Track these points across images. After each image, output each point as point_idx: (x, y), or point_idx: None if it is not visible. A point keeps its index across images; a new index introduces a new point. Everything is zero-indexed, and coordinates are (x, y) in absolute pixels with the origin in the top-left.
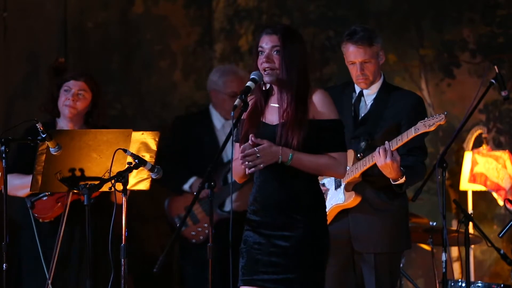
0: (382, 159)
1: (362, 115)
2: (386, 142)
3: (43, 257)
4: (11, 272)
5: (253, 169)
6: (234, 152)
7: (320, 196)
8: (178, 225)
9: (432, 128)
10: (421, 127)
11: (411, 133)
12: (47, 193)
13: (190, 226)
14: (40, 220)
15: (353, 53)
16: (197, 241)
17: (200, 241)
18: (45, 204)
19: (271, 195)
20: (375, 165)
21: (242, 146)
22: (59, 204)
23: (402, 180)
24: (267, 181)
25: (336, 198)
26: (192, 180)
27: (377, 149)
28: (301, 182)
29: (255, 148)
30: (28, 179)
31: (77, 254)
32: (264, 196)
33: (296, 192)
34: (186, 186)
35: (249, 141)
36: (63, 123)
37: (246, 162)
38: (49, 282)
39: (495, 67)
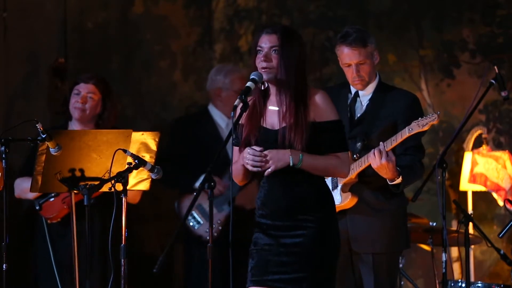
0: (377, 161)
1: (358, 115)
2: (381, 143)
3: (54, 258)
4: (29, 273)
5: (258, 168)
6: (233, 156)
7: (328, 197)
8: (189, 224)
9: (426, 128)
10: (415, 127)
11: (405, 133)
12: (53, 194)
13: (204, 224)
14: (49, 221)
15: (348, 55)
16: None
17: (214, 238)
18: (52, 205)
19: (279, 200)
20: (371, 165)
21: (247, 149)
22: (65, 204)
23: (398, 180)
24: (274, 186)
25: None
26: (202, 177)
27: (371, 151)
28: (308, 185)
29: (264, 152)
30: None
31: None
32: (272, 201)
33: (304, 195)
34: (197, 184)
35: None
36: (74, 125)
37: (254, 163)
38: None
39: (495, 67)
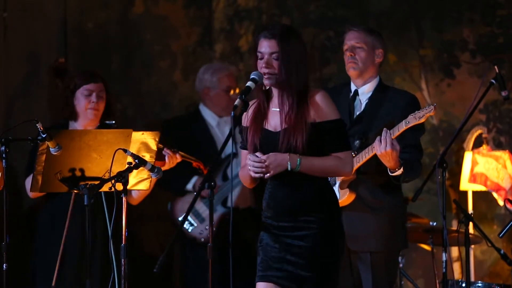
0: (382, 147)
1: (357, 113)
2: (385, 129)
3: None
4: (27, 268)
5: (260, 175)
6: (241, 159)
7: (332, 196)
8: (183, 226)
9: (423, 120)
10: (412, 120)
11: (402, 126)
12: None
13: (198, 226)
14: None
15: (348, 37)
16: (206, 240)
17: (208, 240)
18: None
19: (282, 201)
20: (368, 162)
21: (249, 156)
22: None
23: (399, 172)
24: (278, 187)
25: None
26: (194, 179)
27: (377, 138)
28: (310, 186)
29: (262, 158)
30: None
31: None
32: (276, 202)
33: (307, 196)
34: (189, 186)
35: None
36: (78, 126)
37: (254, 169)
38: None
39: (495, 67)
